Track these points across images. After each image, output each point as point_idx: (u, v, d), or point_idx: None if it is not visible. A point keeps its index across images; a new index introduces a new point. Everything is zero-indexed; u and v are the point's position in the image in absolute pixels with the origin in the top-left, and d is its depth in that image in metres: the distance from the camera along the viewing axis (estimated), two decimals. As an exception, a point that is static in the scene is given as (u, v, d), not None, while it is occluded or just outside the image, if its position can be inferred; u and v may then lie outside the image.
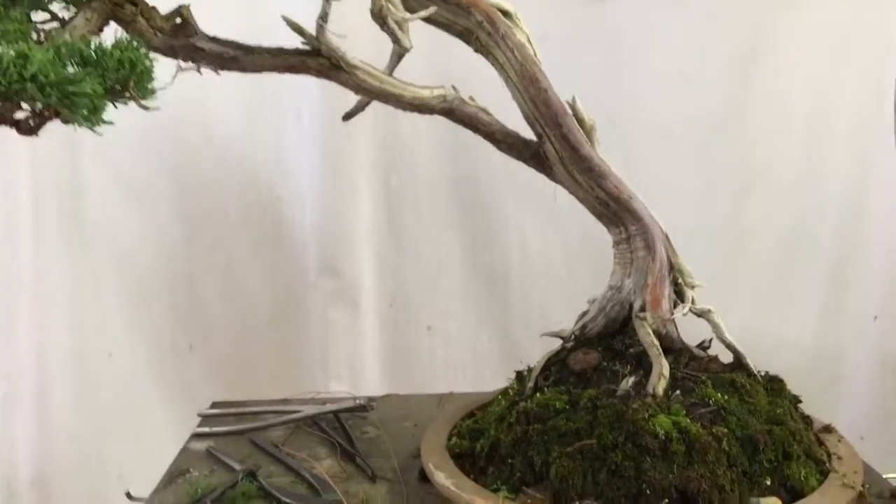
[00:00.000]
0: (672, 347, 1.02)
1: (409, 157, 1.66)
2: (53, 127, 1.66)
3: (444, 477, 0.97)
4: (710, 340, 1.10)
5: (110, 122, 0.69)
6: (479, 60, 1.05)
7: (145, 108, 0.72)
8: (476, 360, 1.73)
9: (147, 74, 0.70)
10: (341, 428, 1.27)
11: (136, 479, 1.67)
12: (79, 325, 1.67)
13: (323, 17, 0.88)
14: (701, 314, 1.04)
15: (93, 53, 0.69)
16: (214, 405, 1.41)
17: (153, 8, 0.90)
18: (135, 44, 0.71)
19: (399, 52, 1.00)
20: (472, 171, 1.67)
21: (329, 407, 1.32)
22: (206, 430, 1.28)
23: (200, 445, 1.24)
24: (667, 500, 0.86)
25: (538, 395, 1.00)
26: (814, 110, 1.65)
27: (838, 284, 1.68)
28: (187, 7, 0.92)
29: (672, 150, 1.66)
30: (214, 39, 0.92)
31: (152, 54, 0.85)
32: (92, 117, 0.65)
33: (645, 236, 1.03)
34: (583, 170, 1.01)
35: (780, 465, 0.92)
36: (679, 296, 1.05)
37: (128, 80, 0.69)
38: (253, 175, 1.66)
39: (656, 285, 1.03)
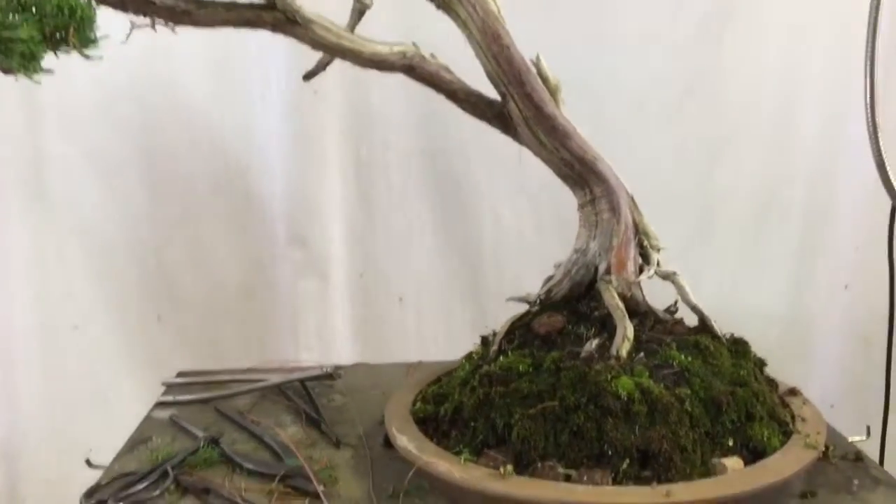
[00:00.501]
0: (637, 310, 1.02)
1: (381, 126, 1.64)
2: (13, 95, 1.62)
3: (407, 440, 0.96)
4: (677, 303, 1.09)
5: (49, 71, 0.66)
6: (445, 21, 1.03)
7: (87, 56, 0.69)
8: (448, 329, 1.72)
9: (89, 22, 0.68)
10: (307, 396, 1.26)
11: (103, 448, 1.66)
12: (44, 298, 1.64)
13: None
14: (666, 277, 1.03)
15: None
16: (180, 374, 1.39)
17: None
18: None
19: (360, 9, 0.98)
20: (444, 142, 1.65)
21: (295, 375, 1.30)
22: (169, 398, 1.27)
23: (164, 414, 1.23)
24: (628, 461, 0.86)
25: (501, 358, 0.99)
26: (785, 75, 1.65)
27: (809, 252, 1.68)
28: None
29: (643, 114, 1.65)
30: (171, -6, 0.90)
31: (103, 8, 0.83)
32: (29, 64, 0.63)
33: (610, 198, 1.02)
34: (547, 130, 1.00)
35: (742, 425, 0.91)
36: (644, 258, 1.05)
37: (67, 28, 0.66)
38: (220, 144, 1.63)
39: (621, 248, 1.01)
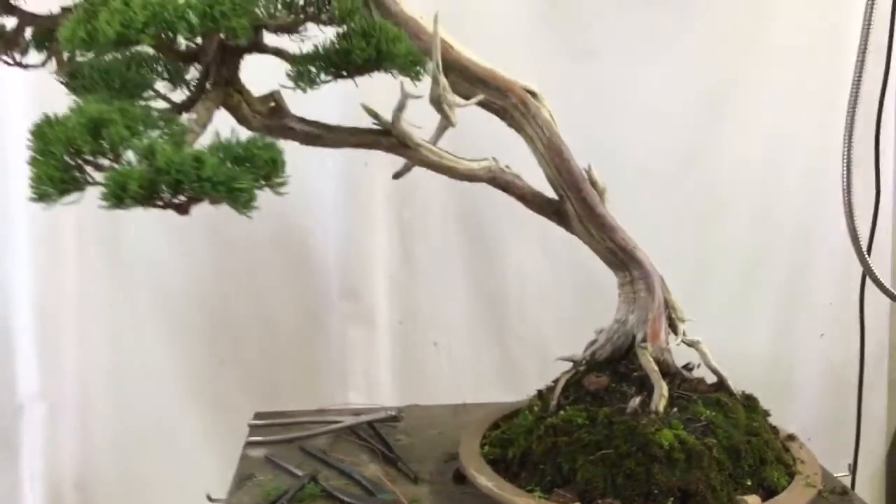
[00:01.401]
0: (668, 371, 1.25)
1: (421, 192, 1.85)
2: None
3: (486, 480, 1.18)
4: (689, 364, 1.33)
5: (257, 208, 0.88)
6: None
7: (280, 194, 0.91)
8: (476, 371, 1.94)
9: (283, 168, 0.89)
10: (377, 436, 1.47)
11: (168, 484, 1.87)
12: (116, 343, 1.83)
13: (400, 108, 1.08)
14: (691, 344, 1.27)
15: (241, 151, 0.88)
16: (258, 416, 1.59)
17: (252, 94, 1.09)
18: (271, 141, 0.90)
19: (444, 126, 1.20)
20: (476, 206, 1.87)
21: (364, 417, 1.52)
22: (259, 438, 1.47)
23: (256, 452, 1.43)
24: (672, 499, 1.09)
25: (561, 412, 1.21)
26: (771, 150, 1.90)
27: (790, 306, 1.93)
28: (278, 92, 1.10)
29: (648, 182, 1.89)
30: (302, 120, 1.11)
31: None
32: (248, 206, 0.84)
33: (646, 280, 1.25)
34: (597, 226, 1.23)
35: (757, 468, 1.15)
36: (672, 328, 1.28)
37: (271, 174, 0.88)
38: (279, 207, 1.82)
39: (655, 321, 1.25)
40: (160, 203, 0.86)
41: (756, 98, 1.87)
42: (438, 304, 1.91)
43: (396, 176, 1.27)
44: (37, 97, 1.70)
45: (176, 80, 1.08)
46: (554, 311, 1.92)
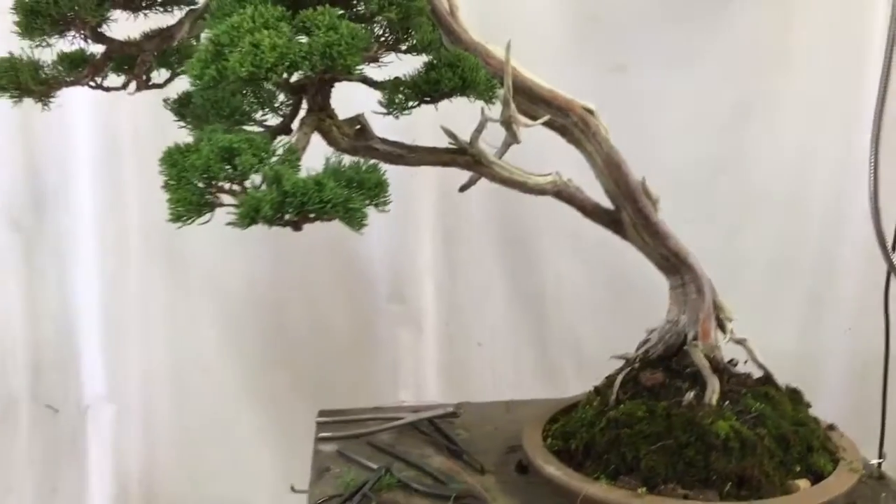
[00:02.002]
0: (718, 367, 1.35)
1: (464, 201, 1.94)
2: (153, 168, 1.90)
3: (554, 469, 1.28)
4: (733, 360, 1.43)
5: (367, 224, 0.97)
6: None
7: (385, 211, 1.01)
8: (517, 369, 2.05)
9: (387, 188, 0.99)
10: (438, 431, 1.57)
11: (229, 479, 1.96)
12: (178, 346, 1.94)
13: (479, 131, 1.18)
14: (739, 342, 1.37)
15: (353, 174, 0.98)
16: (322, 413, 1.69)
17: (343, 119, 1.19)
18: (375, 163, 1.00)
19: (510, 143, 1.30)
20: (515, 213, 1.97)
21: (424, 414, 1.62)
22: (329, 434, 1.57)
23: (328, 447, 1.53)
24: (729, 484, 1.19)
25: (621, 406, 1.31)
26: (799, 155, 2.00)
27: (816, 302, 2.04)
28: (363, 115, 1.20)
29: (682, 189, 1.98)
30: (385, 141, 1.21)
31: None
32: (362, 223, 0.94)
33: (697, 283, 1.35)
34: (651, 234, 1.33)
35: (805, 455, 1.25)
36: (720, 327, 1.38)
37: (378, 195, 0.98)
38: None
39: (706, 321, 1.35)
40: (281, 222, 0.96)
41: (783, 107, 1.97)
42: (481, 307, 2.01)
43: (462, 189, 1.37)
44: (99, 117, 1.81)
45: (269, 106, 1.18)
46: (588, 312, 2.02)
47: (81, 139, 1.83)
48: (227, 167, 0.93)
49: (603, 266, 1.99)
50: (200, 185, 0.94)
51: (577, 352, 2.04)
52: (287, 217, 0.95)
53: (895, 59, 1.57)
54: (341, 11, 0.99)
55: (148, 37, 1.33)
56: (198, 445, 1.95)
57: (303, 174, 0.97)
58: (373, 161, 1.02)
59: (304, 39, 0.95)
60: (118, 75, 1.37)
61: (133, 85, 1.37)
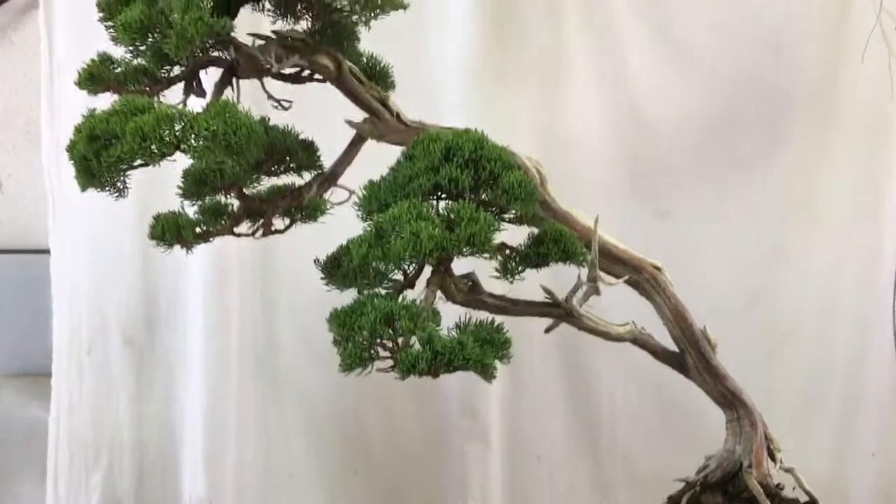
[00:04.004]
0: (770, 493, 1.55)
1: (526, 326, 2.18)
2: (254, 295, 2.13)
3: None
4: (780, 484, 1.63)
5: (496, 377, 1.20)
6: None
7: (507, 363, 1.24)
8: (573, 481, 2.24)
9: (511, 345, 1.23)
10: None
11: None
12: (269, 452, 2.14)
13: (574, 291, 1.42)
14: (788, 470, 1.58)
15: (485, 334, 1.21)
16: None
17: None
18: (501, 324, 1.24)
19: (591, 294, 1.53)
20: (573, 340, 2.19)
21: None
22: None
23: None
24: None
25: (687, 525, 1.51)
26: (825, 294, 2.22)
27: (845, 429, 2.23)
28: (474, 273, 1.44)
29: (718, 320, 2.20)
30: (493, 295, 1.45)
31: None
32: (492, 375, 1.17)
33: (751, 417, 1.57)
34: (711, 375, 1.55)
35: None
36: (771, 457, 1.59)
37: (506, 352, 1.21)
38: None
39: (759, 451, 1.56)
40: (426, 373, 1.19)
41: (810, 250, 2.21)
42: (542, 423, 2.22)
43: (548, 329, 1.60)
44: (210, 248, 2.06)
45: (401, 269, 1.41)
46: (640, 432, 2.23)
47: (193, 267, 2.07)
48: (389, 329, 1.17)
49: (654, 388, 2.20)
50: (365, 342, 1.17)
51: (629, 469, 2.23)
52: (433, 369, 1.17)
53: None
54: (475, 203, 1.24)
55: (281, 195, 1.58)
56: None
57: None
58: (498, 321, 1.25)
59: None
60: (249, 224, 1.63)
61: (260, 231, 1.62)
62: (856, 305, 2.21)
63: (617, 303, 1.56)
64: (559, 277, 1.47)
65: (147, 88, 1.36)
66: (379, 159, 1.41)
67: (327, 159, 1.53)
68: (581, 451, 2.24)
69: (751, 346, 2.22)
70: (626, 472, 2.21)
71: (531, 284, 1.44)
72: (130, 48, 1.26)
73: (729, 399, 1.58)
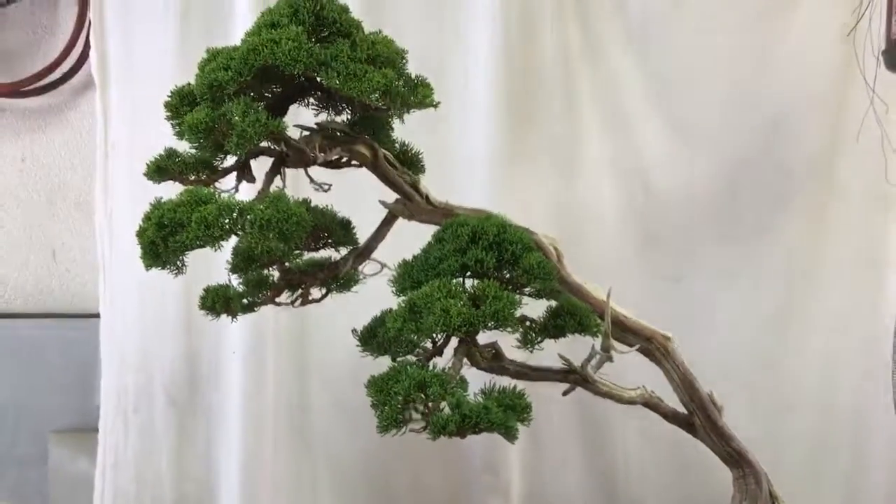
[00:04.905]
0: (775, 543, 1.66)
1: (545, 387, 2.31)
2: (289, 360, 2.27)
3: None
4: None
5: (518, 437, 1.33)
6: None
7: (527, 425, 1.37)
8: (590, 537, 2.34)
9: (531, 410, 1.36)
10: None
11: None
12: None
13: (589, 360, 1.55)
14: (789, 523, 1.69)
15: (508, 401, 1.34)
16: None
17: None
18: (522, 391, 1.37)
19: (604, 361, 1.66)
20: (588, 400, 2.31)
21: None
22: None
23: None
24: None
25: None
26: (827, 356, 2.34)
27: (851, 487, 2.33)
28: (496, 342, 1.58)
29: (727, 382, 2.28)
30: (514, 362, 1.58)
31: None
32: (515, 437, 1.30)
33: (756, 476, 1.68)
34: (717, 435, 1.67)
35: None
36: (775, 512, 1.70)
37: (524, 415, 1.34)
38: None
39: (764, 507, 1.67)
40: (455, 434, 1.32)
41: (814, 314, 2.33)
42: (560, 479, 2.33)
43: (565, 393, 1.73)
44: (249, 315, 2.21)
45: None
46: (654, 486, 2.33)
47: (232, 331, 2.22)
48: (422, 395, 1.30)
49: (667, 446, 2.30)
50: (400, 406, 1.31)
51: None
52: (461, 430, 1.31)
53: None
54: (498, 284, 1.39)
55: (320, 268, 1.73)
56: None
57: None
58: (520, 387, 1.39)
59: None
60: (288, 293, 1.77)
61: (299, 301, 1.77)
62: (858, 366, 2.32)
63: (632, 367, 1.69)
64: (575, 345, 1.61)
65: (205, 177, 1.53)
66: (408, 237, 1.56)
67: (361, 235, 1.67)
68: (597, 505, 2.34)
69: (757, 406, 2.33)
70: (639, 527, 2.31)
71: (549, 352, 1.57)
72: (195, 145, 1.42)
73: (735, 458, 1.69)
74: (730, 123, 2.31)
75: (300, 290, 1.72)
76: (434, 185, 1.68)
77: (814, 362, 2.34)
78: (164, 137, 1.53)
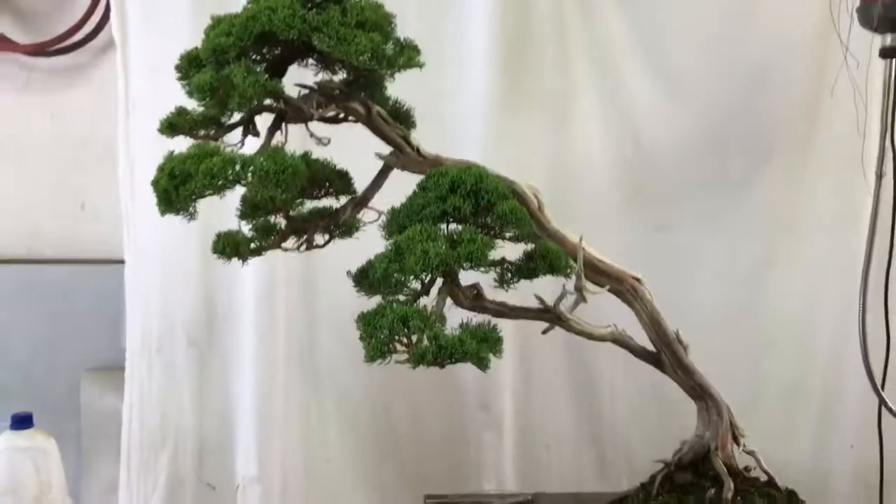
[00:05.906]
0: (733, 472, 1.81)
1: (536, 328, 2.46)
2: (298, 302, 2.43)
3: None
4: (748, 467, 1.89)
5: (489, 367, 1.49)
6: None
7: (499, 357, 1.53)
8: (578, 468, 2.51)
9: (502, 342, 1.51)
10: (518, 515, 2.05)
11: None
12: (309, 439, 2.46)
13: (560, 299, 1.70)
14: (749, 453, 1.84)
15: (482, 333, 1.50)
16: (428, 497, 2.17)
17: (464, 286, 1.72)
18: (496, 325, 1.53)
19: (578, 302, 1.81)
20: (577, 341, 2.45)
21: (509, 500, 2.10)
22: (437, 513, 2.06)
23: (436, 525, 2.02)
24: (739, 557, 1.65)
25: (660, 497, 1.78)
26: (806, 303, 2.47)
27: (824, 424, 2.47)
28: (478, 284, 1.73)
29: (709, 329, 2.43)
30: (494, 302, 1.73)
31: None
32: (487, 367, 1.46)
33: (717, 407, 1.83)
34: (683, 371, 1.82)
35: (796, 541, 1.71)
36: (735, 441, 1.85)
37: (496, 347, 1.49)
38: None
39: (724, 436, 1.82)
40: (434, 363, 1.48)
41: (794, 261, 2.46)
42: (550, 415, 2.49)
43: (544, 332, 1.88)
44: (260, 262, 2.38)
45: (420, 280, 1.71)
46: (638, 422, 2.49)
47: (246, 277, 2.39)
48: (404, 328, 1.47)
49: (649, 385, 2.45)
50: (385, 338, 1.47)
51: (628, 454, 2.50)
52: (438, 360, 1.47)
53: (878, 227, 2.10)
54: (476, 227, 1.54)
55: (321, 216, 1.89)
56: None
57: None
58: (494, 322, 1.54)
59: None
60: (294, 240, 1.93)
61: (304, 246, 1.93)
62: (835, 310, 2.44)
63: (605, 309, 1.84)
64: (559, 289, 1.75)
65: (213, 132, 1.68)
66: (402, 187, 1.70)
67: (359, 185, 1.82)
68: (585, 439, 2.51)
69: (739, 349, 2.47)
70: (626, 458, 2.47)
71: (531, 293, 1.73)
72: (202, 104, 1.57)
73: (699, 392, 1.84)
74: (717, 76, 2.41)
75: (304, 237, 1.88)
76: (432, 137, 1.81)
77: (793, 306, 2.47)
78: (181, 94, 1.65)
